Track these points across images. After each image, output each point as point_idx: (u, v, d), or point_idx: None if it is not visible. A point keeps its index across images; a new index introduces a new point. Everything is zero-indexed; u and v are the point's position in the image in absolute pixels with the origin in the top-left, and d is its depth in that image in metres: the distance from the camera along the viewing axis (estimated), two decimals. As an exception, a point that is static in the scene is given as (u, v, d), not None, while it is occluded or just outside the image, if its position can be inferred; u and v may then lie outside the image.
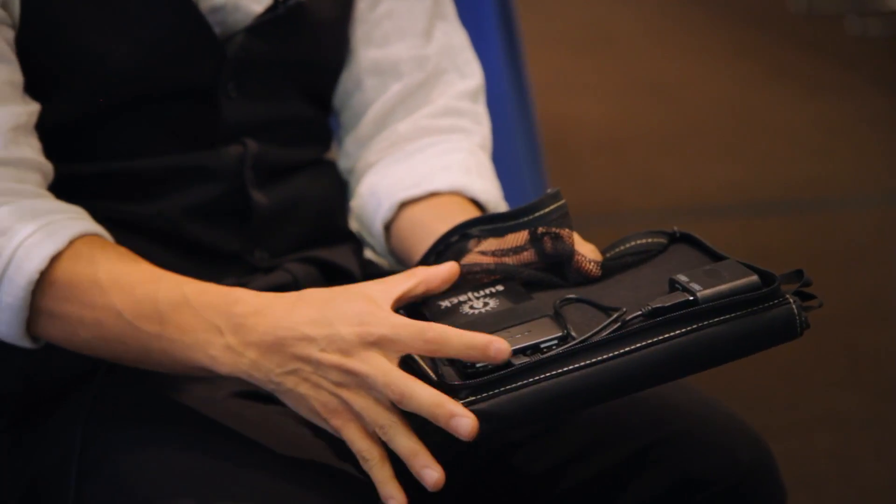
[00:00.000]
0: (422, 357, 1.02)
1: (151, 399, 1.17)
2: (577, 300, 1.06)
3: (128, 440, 1.13)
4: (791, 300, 1.01)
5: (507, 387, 0.97)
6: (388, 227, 1.33)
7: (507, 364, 0.99)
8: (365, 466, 1.02)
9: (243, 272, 1.27)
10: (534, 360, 0.98)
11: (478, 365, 0.99)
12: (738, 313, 1.00)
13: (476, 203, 1.31)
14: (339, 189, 1.40)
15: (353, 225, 1.39)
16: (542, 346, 1.00)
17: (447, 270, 1.08)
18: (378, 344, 1.01)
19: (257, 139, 1.27)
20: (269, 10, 1.25)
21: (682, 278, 1.03)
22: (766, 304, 1.01)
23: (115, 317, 1.09)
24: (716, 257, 1.08)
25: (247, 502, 1.06)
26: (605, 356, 0.98)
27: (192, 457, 1.10)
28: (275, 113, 1.29)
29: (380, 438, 1.02)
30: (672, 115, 4.78)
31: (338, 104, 1.40)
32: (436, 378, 1.00)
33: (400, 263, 1.34)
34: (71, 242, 1.12)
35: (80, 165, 1.22)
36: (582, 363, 0.98)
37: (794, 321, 1.01)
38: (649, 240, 1.12)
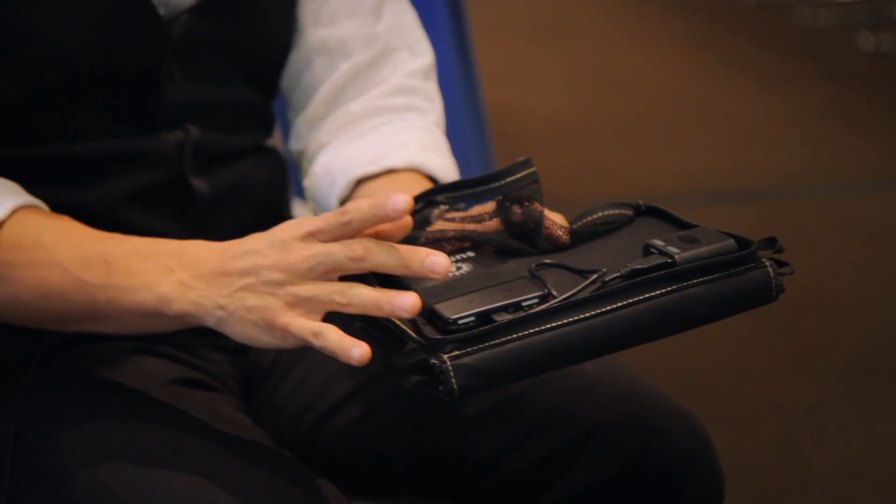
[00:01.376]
0: (401, 319, 1.01)
1: (87, 386, 1.17)
2: (553, 265, 1.07)
3: (63, 427, 1.13)
4: (767, 264, 1.03)
5: (492, 342, 0.97)
6: (343, 204, 1.32)
7: (490, 320, 0.99)
8: (318, 343, 0.99)
9: (184, 260, 1.26)
10: (517, 317, 0.98)
11: (459, 322, 0.99)
12: (717, 275, 1.02)
13: (433, 180, 1.31)
14: (281, 176, 1.39)
15: (309, 204, 1.39)
16: (524, 304, 1.01)
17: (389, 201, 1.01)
18: (312, 233, 1.01)
19: (199, 124, 1.26)
20: None
21: (658, 243, 1.04)
22: (744, 268, 1.03)
23: (60, 271, 1.09)
24: (686, 226, 1.09)
25: (185, 485, 1.06)
26: (587, 314, 0.99)
27: (129, 441, 1.10)
28: (219, 96, 1.28)
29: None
30: (623, 105, 4.79)
31: (287, 85, 1.39)
32: (416, 335, 1.00)
33: None
34: (13, 212, 1.11)
35: (16, 149, 1.20)
36: (565, 320, 0.99)
37: (771, 284, 1.03)
38: (615, 211, 1.13)
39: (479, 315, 0.99)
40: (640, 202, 1.14)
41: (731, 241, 1.04)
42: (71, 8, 1.17)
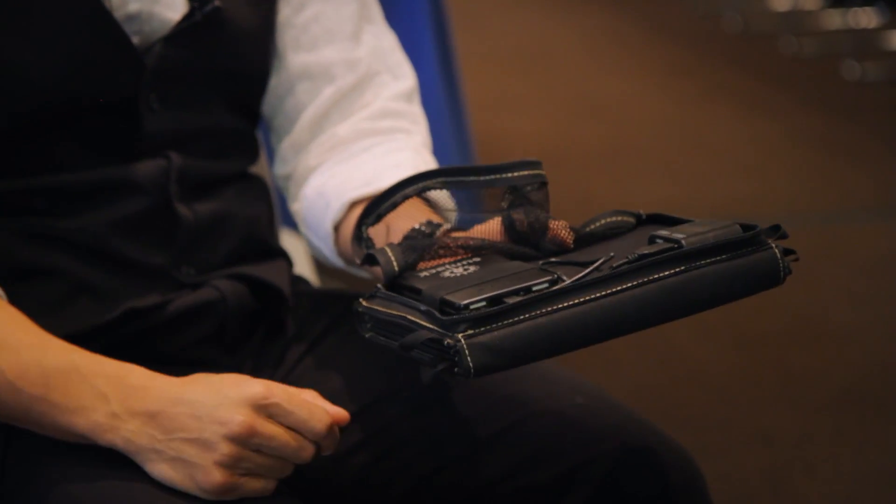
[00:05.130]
0: (411, 316, 1.03)
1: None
2: (560, 262, 1.08)
3: (48, 464, 1.12)
4: (773, 245, 1.05)
5: (505, 321, 0.98)
6: (337, 227, 1.32)
7: (501, 303, 1.00)
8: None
9: (169, 288, 1.25)
10: (527, 298, 0.99)
11: (472, 307, 1.00)
12: (724, 256, 1.04)
13: (425, 200, 1.30)
14: (267, 204, 1.38)
15: (301, 228, 1.39)
16: (534, 288, 1.02)
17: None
18: (261, 406, 1.05)
19: (182, 152, 1.25)
20: (186, 17, 1.24)
21: (663, 232, 1.06)
22: (750, 249, 1.04)
23: None
24: (682, 221, 1.11)
25: None
26: (597, 294, 1.00)
27: (117, 480, 1.09)
28: (199, 124, 1.28)
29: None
30: (608, 133, 4.80)
31: (269, 111, 1.38)
32: (426, 323, 1.01)
33: (350, 264, 1.34)
34: None
35: None
36: (575, 300, 1.00)
37: (778, 265, 1.05)
38: (619, 218, 1.14)
39: (490, 299, 1.01)
40: (642, 212, 1.15)
41: (737, 226, 1.05)
42: (43, 39, 1.17)
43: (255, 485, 1.06)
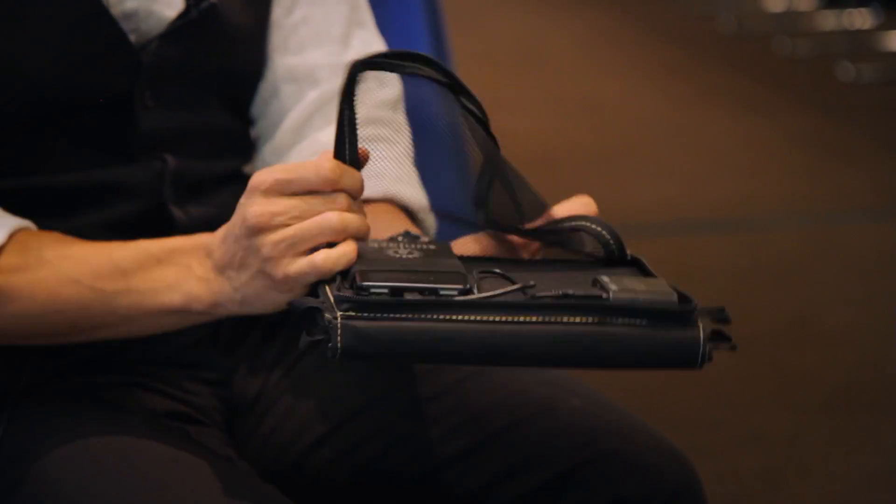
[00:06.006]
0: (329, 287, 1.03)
1: (69, 419, 1.16)
2: (500, 275, 1.05)
3: (46, 459, 1.12)
4: (700, 326, 1.00)
5: (392, 315, 0.98)
6: None
7: (401, 295, 0.99)
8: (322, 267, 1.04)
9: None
10: (425, 299, 0.99)
11: (371, 291, 0.99)
12: (645, 322, 1.00)
13: (406, 211, 1.31)
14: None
15: None
16: (441, 292, 1.00)
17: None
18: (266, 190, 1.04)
19: (176, 152, 1.25)
20: (182, 14, 1.24)
21: (604, 278, 1.02)
22: (675, 324, 1.00)
23: (72, 284, 1.10)
24: (649, 274, 1.07)
25: None
26: (501, 318, 0.98)
27: (113, 475, 1.09)
28: (193, 123, 1.28)
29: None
30: (603, 133, 4.80)
31: (255, 113, 1.38)
32: (329, 292, 1.01)
33: None
34: (11, 235, 1.12)
35: None
36: (476, 318, 0.98)
37: (697, 349, 1.00)
38: (593, 229, 1.10)
39: (392, 289, 0.99)
40: (629, 254, 1.11)
41: (674, 297, 1.01)
42: (38, 34, 1.17)
43: (319, 259, 1.03)
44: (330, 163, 1.04)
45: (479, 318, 0.98)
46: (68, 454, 1.11)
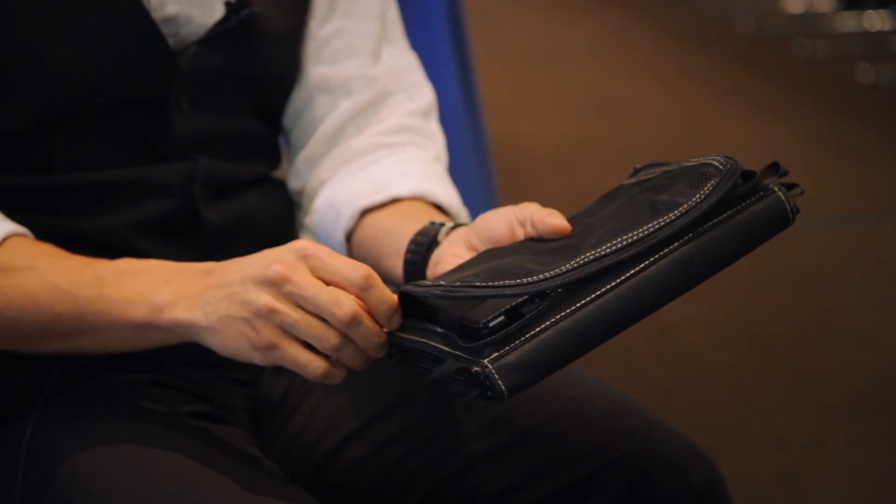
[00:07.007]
0: (435, 340, 1.01)
1: (97, 418, 1.16)
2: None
3: (74, 459, 1.12)
4: (776, 188, 1.03)
5: (527, 335, 0.97)
6: (349, 237, 1.32)
7: (520, 315, 0.98)
8: (309, 372, 1.04)
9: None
10: (545, 305, 0.97)
11: (490, 325, 0.98)
12: (728, 213, 1.01)
13: (438, 208, 1.31)
14: (289, 207, 1.39)
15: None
16: (548, 291, 0.98)
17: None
18: (302, 256, 1.04)
19: (208, 154, 1.26)
20: (222, 21, 1.25)
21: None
22: (753, 199, 1.02)
23: (50, 287, 1.10)
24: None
25: None
26: (614, 282, 0.98)
27: (141, 474, 1.10)
28: (226, 127, 1.29)
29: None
30: (622, 134, 4.80)
31: (288, 124, 1.39)
32: (453, 350, 0.99)
33: None
34: (5, 239, 1.13)
35: (25, 177, 1.20)
36: (592, 295, 0.98)
37: (785, 207, 1.02)
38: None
39: (507, 313, 0.98)
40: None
41: (732, 178, 1.02)
42: (80, 36, 1.18)
43: (296, 351, 1.03)
44: (367, 270, 1.03)
45: (598, 292, 0.98)
46: (97, 453, 1.12)
